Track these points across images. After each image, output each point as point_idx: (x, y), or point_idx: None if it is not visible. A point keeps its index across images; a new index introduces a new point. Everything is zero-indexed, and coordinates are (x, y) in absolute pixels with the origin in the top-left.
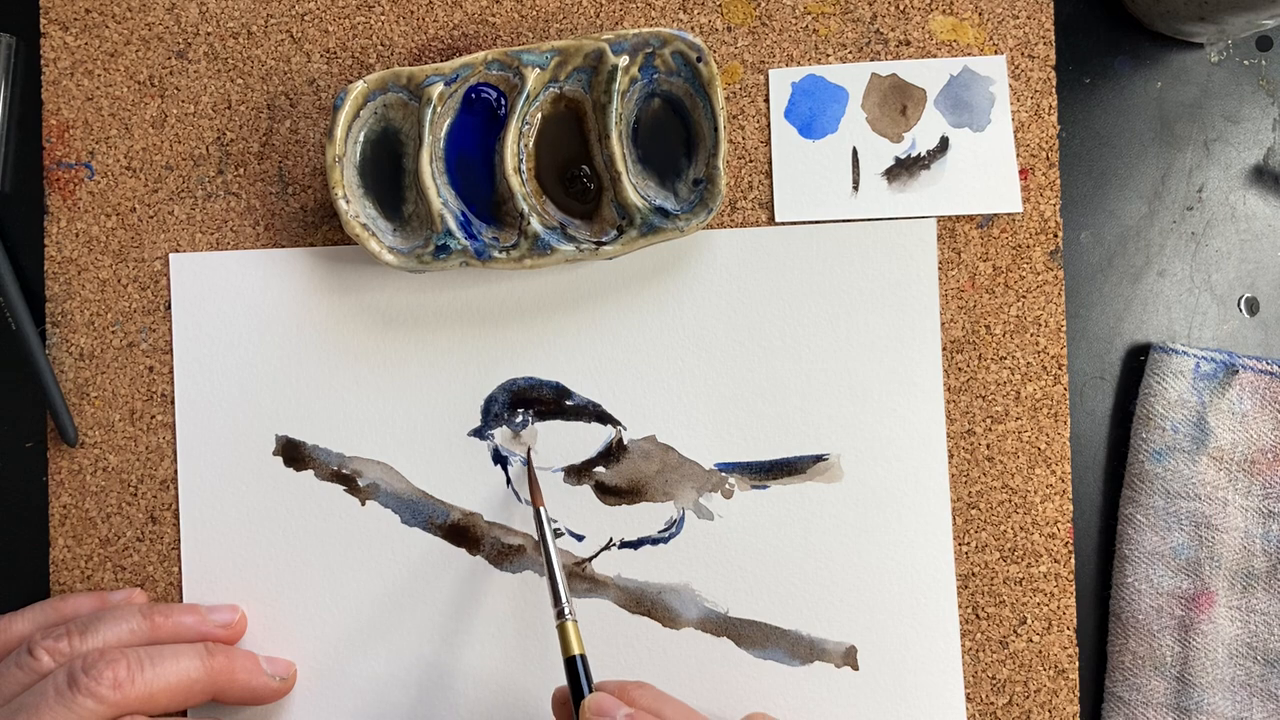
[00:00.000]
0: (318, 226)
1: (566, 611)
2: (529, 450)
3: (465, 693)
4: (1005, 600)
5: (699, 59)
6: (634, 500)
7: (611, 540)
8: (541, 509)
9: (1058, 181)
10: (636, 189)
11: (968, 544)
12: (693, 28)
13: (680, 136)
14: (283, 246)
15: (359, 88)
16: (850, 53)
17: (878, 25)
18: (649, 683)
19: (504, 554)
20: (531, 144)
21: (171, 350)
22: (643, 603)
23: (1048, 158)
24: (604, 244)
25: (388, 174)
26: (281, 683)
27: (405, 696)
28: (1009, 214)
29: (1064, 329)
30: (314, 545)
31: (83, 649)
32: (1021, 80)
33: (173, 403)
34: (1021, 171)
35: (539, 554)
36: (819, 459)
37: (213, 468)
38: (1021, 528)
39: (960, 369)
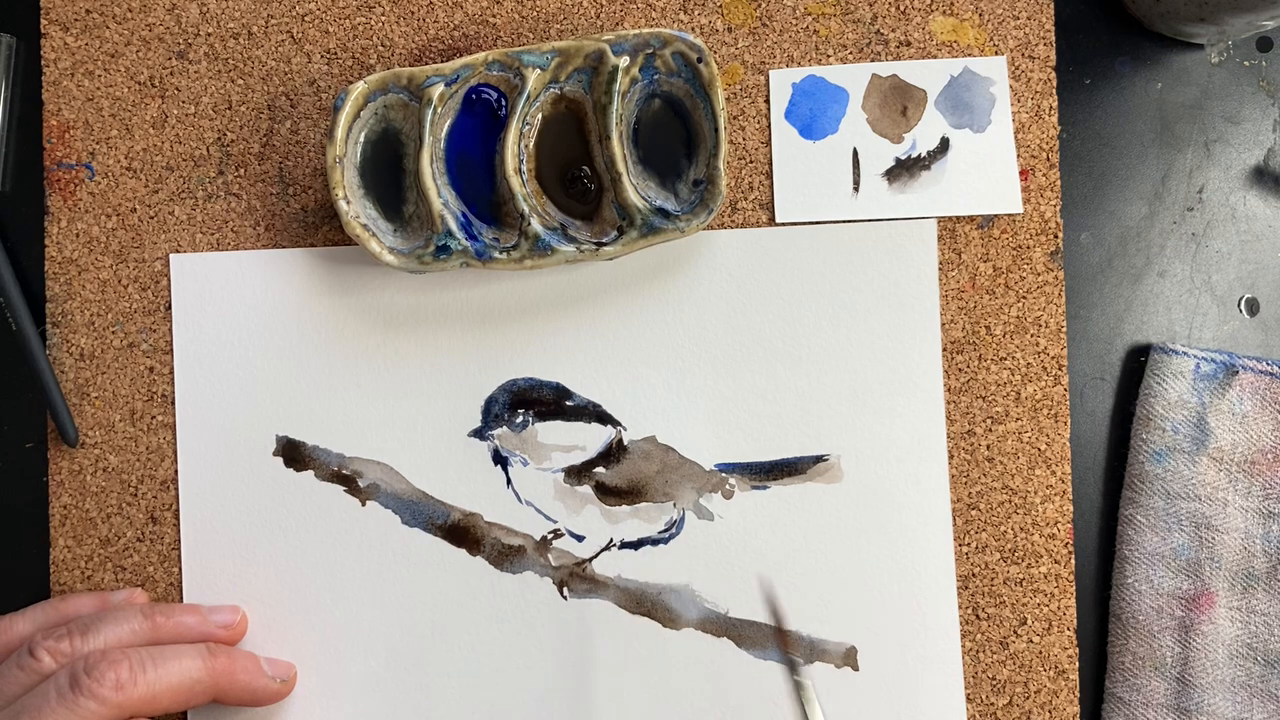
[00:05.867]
0: (318, 227)
1: None
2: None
3: (465, 693)
4: (1005, 601)
5: (699, 60)
6: (634, 500)
7: (611, 540)
8: (807, 683)
9: (1058, 182)
10: (637, 190)
11: (968, 545)
12: (693, 28)
13: (681, 137)
14: (283, 247)
15: (359, 88)
16: (851, 53)
17: (878, 26)
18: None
19: (504, 555)
20: (532, 145)
21: (172, 350)
22: (643, 603)
23: (1048, 158)
24: (604, 245)
25: (388, 174)
26: (282, 684)
27: (405, 697)
28: (1009, 215)
29: (1064, 330)
30: (314, 546)
31: (84, 649)
32: (1022, 81)
33: (173, 403)
34: (1022, 172)
35: (540, 555)
36: (819, 460)
37: (213, 468)
38: (1022, 528)
39: (960, 370)
